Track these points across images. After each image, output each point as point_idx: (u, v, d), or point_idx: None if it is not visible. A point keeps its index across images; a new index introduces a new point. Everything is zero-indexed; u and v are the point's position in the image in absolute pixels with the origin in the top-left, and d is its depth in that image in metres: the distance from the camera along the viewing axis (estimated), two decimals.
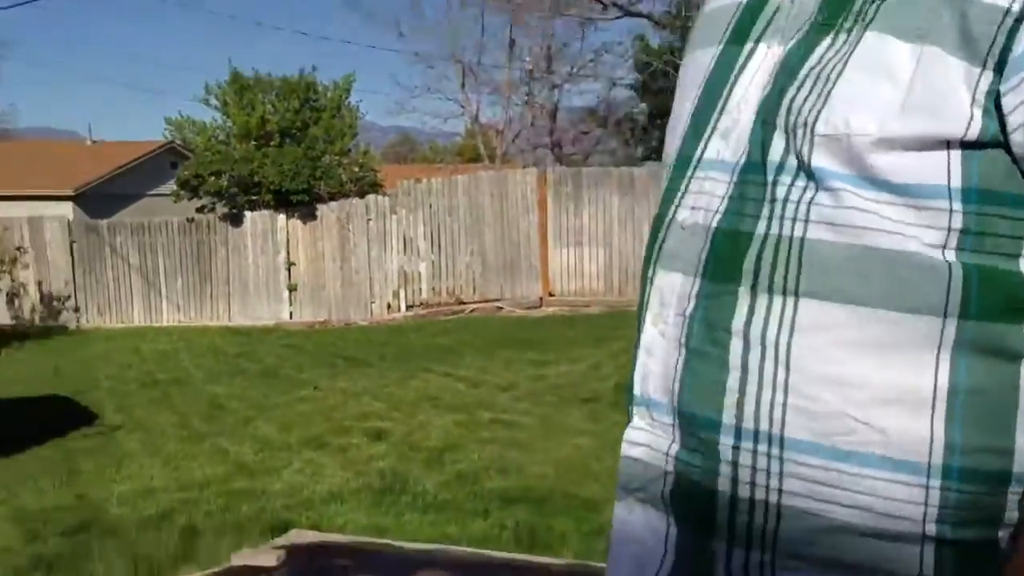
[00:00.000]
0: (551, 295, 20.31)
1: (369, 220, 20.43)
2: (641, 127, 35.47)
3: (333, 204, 20.98)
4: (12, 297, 21.13)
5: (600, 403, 10.07)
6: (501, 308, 19.86)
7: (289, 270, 20.87)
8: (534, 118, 35.20)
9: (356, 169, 23.46)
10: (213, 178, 22.13)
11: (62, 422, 10.38)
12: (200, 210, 23.14)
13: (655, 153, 34.19)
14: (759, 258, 1.21)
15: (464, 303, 20.15)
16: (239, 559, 5.93)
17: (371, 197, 21.16)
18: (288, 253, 20.90)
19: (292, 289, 20.87)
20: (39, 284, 21.28)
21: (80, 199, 32.93)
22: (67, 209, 30.44)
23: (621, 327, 16.11)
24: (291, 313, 20.88)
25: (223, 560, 6.13)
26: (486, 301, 20.16)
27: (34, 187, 32.89)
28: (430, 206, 20.34)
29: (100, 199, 32.98)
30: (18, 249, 20.89)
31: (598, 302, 19.59)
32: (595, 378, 11.59)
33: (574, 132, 36.23)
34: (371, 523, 6.54)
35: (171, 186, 25.01)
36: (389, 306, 20.38)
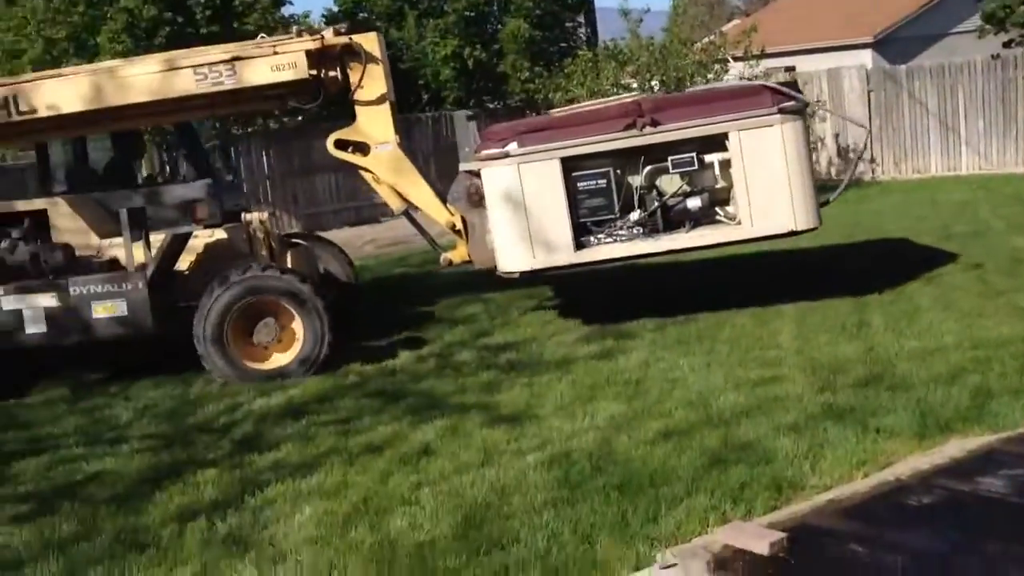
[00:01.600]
0: None
1: None
2: None
3: None
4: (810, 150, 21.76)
5: None
6: None
7: None
8: None
9: None
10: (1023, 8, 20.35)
11: (859, 273, 10.45)
12: (1007, 45, 21.53)
13: None
14: None
15: None
16: None
17: None
18: None
19: None
20: (836, 136, 21.64)
21: (879, 45, 32.67)
22: (866, 57, 30.45)
23: None
24: None
25: (1018, 424, 5.73)
26: None
27: (831, 38, 33.39)
28: None
29: (900, 43, 32.41)
30: (816, 102, 21.37)
31: None
32: None
33: None
34: None
35: (974, 22, 23.64)
36: None
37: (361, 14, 24.61)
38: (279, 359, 8.71)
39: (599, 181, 8.77)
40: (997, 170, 19.23)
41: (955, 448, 5.60)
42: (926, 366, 7.16)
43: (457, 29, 24.23)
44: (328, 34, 9.21)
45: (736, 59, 20.61)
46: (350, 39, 9.20)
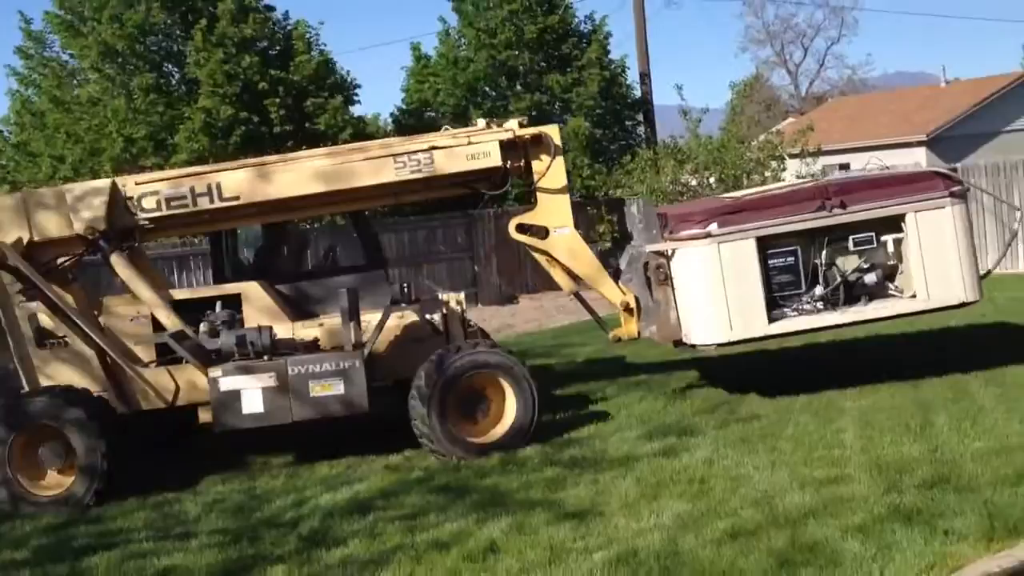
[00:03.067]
0: None
1: None
2: None
3: None
4: None
5: None
6: None
7: None
8: None
9: None
10: None
11: (920, 371, 10.41)
12: None
13: None
14: None
15: None
16: None
17: None
18: None
19: None
20: None
21: (933, 144, 32.77)
22: (920, 155, 30.56)
23: None
24: None
25: None
26: None
27: (885, 136, 33.55)
28: None
29: (954, 141, 32.50)
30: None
31: None
32: None
33: None
34: None
35: None
36: None
37: (428, 113, 25.17)
38: (495, 432, 9.04)
39: (788, 258, 9.54)
40: None
41: None
42: (992, 467, 7.13)
43: None
44: (515, 125, 9.81)
45: (792, 156, 20.83)
46: (540, 131, 9.79)
